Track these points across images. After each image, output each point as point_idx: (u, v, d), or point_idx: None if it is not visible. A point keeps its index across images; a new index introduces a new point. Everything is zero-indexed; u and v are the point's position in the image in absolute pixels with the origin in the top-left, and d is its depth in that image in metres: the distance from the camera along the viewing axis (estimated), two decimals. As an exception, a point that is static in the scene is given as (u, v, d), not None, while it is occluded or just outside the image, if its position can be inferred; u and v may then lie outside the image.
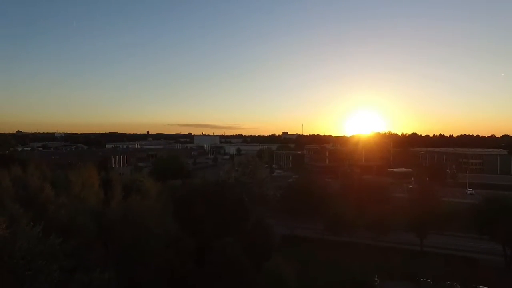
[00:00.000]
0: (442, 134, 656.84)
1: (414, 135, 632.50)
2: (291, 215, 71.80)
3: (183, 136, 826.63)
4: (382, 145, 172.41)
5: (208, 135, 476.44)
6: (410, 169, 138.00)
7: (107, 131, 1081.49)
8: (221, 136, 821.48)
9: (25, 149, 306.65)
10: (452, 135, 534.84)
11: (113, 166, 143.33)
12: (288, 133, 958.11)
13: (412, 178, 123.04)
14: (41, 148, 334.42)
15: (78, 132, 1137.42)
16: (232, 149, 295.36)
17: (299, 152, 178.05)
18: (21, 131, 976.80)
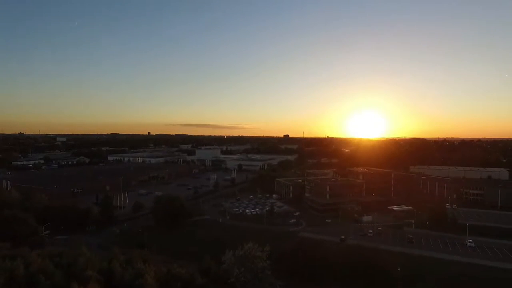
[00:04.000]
0: (445, 139, 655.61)
1: (416, 140, 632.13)
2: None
3: (185, 138, 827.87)
4: (383, 175, 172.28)
5: (210, 147, 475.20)
6: (410, 207, 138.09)
7: (109, 132, 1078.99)
8: (222, 140, 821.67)
9: (28, 164, 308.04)
10: (454, 142, 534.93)
11: (114, 203, 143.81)
12: (290, 136, 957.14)
13: (413, 221, 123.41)
14: (43, 161, 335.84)
15: (80, 133, 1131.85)
16: (233, 165, 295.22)
17: (299, 180, 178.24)
18: (23, 133, 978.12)
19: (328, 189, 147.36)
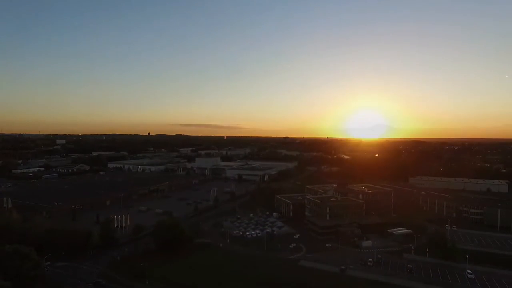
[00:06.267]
0: (444, 141, 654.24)
1: (416, 142, 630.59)
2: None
3: (184, 140, 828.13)
4: (383, 194, 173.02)
5: (210, 151, 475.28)
6: (409, 230, 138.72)
7: (109, 132, 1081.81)
8: (222, 141, 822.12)
9: (28, 173, 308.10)
10: (454, 146, 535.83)
11: (116, 226, 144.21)
12: (290, 137, 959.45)
13: (412, 246, 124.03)
14: (43, 169, 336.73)
15: (80, 133, 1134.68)
16: (233, 174, 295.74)
17: (299, 198, 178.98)
18: (22, 134, 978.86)
19: (328, 210, 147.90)
